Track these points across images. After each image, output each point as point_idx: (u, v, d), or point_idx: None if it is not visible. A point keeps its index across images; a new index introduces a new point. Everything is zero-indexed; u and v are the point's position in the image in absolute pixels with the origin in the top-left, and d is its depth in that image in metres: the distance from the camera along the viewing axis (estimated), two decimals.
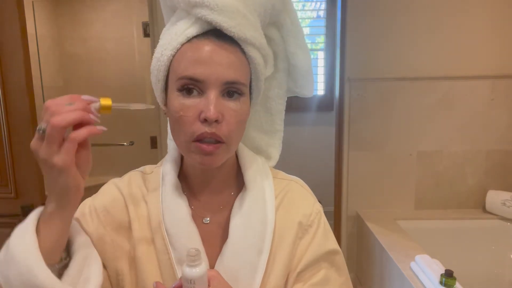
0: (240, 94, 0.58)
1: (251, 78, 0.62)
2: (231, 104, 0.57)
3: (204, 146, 0.55)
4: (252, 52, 0.59)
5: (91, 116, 0.49)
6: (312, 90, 0.76)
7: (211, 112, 0.53)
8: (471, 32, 1.88)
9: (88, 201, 0.65)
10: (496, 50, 1.90)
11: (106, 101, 0.52)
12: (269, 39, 0.70)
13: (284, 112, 0.76)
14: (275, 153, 0.76)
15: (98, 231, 0.62)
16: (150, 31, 2.05)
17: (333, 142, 2.07)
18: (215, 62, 0.55)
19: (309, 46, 3.49)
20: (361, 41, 1.91)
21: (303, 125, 3.26)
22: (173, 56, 0.58)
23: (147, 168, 0.71)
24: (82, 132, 0.48)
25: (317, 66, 3.26)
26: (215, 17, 0.55)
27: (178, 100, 0.56)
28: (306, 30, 3.26)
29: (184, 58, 0.56)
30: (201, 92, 0.56)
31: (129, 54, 2.85)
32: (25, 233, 0.50)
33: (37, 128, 0.47)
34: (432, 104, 1.93)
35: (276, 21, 0.68)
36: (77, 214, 0.62)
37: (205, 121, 0.54)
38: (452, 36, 1.89)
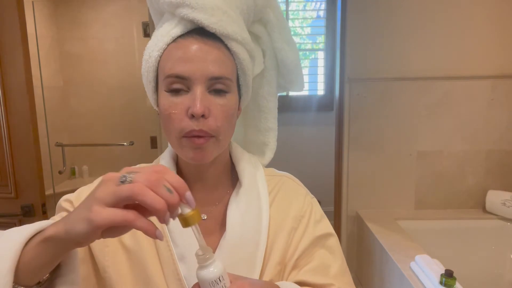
0: (227, 90, 0.59)
1: (238, 74, 0.63)
2: (218, 100, 0.58)
3: (195, 139, 0.56)
4: (235, 47, 0.60)
5: (166, 218, 0.41)
6: (302, 84, 0.77)
7: (197, 107, 0.54)
8: (471, 32, 1.88)
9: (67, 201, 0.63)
10: (496, 50, 1.90)
11: (193, 217, 0.43)
12: (256, 37, 0.71)
13: (276, 110, 0.76)
14: (269, 152, 0.77)
15: None
16: (150, 31, 2.05)
17: (333, 142, 2.07)
18: (199, 58, 0.56)
19: (309, 46, 3.49)
20: (361, 41, 1.91)
21: (303, 125, 3.26)
22: (160, 56, 0.59)
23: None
24: (141, 225, 0.40)
25: (317, 66, 3.26)
26: (196, 15, 0.57)
27: (167, 99, 0.58)
28: (306, 30, 3.26)
29: (170, 57, 0.58)
30: (188, 89, 0.57)
31: (129, 54, 2.85)
32: (11, 245, 0.44)
33: (122, 177, 0.41)
34: (432, 104, 1.93)
35: (261, 18, 0.70)
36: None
37: (193, 116, 0.55)
38: (452, 36, 1.89)
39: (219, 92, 0.58)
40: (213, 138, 0.57)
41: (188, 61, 0.56)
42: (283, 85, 0.77)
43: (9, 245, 0.44)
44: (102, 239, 0.51)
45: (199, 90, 0.56)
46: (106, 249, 0.61)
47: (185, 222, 0.43)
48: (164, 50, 0.59)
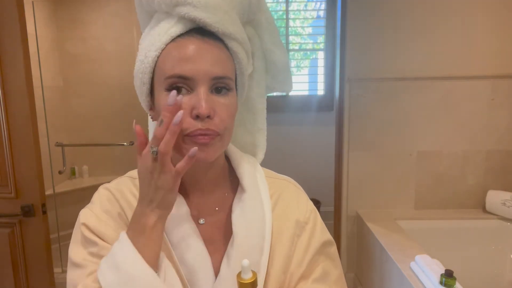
0: (228, 89, 0.58)
1: (236, 74, 0.62)
2: (221, 99, 0.57)
3: (200, 137, 0.55)
4: (235, 47, 0.60)
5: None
6: (291, 85, 0.77)
7: (203, 108, 0.53)
8: (471, 32, 1.88)
9: (88, 212, 0.63)
10: (496, 50, 1.90)
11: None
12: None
13: (265, 111, 0.76)
14: (260, 152, 0.76)
15: (113, 236, 0.61)
16: None
17: (333, 142, 2.07)
18: (201, 58, 0.55)
19: (310, 46, 3.47)
20: (361, 41, 1.91)
21: (303, 125, 3.26)
22: (158, 57, 0.58)
23: (134, 172, 0.69)
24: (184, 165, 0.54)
25: (317, 66, 3.26)
26: (198, 14, 0.56)
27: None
28: (307, 30, 3.26)
29: (169, 57, 0.57)
30: (190, 89, 0.56)
31: (129, 54, 2.85)
32: (128, 250, 0.54)
33: (152, 150, 0.53)
34: (432, 104, 1.93)
35: (253, 20, 0.69)
36: (89, 222, 0.61)
37: (197, 117, 0.54)
38: (452, 36, 1.89)
39: (221, 91, 0.57)
40: (218, 136, 0.57)
41: (189, 61, 0.55)
42: (271, 86, 0.76)
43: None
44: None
45: (202, 90, 0.55)
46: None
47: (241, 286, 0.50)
48: (162, 50, 0.58)
